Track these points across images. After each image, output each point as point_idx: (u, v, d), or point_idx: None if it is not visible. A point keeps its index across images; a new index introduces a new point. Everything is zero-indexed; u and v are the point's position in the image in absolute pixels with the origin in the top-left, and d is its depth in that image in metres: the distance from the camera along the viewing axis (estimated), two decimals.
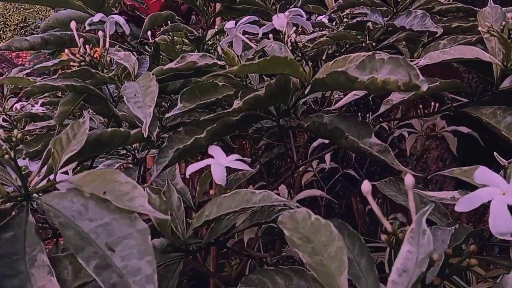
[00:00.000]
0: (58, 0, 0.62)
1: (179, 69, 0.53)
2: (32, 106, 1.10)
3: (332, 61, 0.48)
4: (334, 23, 1.06)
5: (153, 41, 0.67)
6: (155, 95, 0.47)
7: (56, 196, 0.36)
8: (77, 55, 0.56)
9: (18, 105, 1.08)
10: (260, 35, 0.61)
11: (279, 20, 0.57)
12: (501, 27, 0.56)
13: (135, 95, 0.49)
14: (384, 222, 0.30)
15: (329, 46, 0.86)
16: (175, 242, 0.41)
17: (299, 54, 0.89)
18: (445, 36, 0.74)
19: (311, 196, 0.98)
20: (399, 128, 1.19)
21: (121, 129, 0.44)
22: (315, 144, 1.15)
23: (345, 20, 0.95)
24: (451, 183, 2.29)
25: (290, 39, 0.58)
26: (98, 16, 0.58)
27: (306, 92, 0.49)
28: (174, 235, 0.43)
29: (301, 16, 0.59)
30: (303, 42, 0.93)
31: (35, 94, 0.56)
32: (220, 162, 0.42)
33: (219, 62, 0.53)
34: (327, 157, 1.13)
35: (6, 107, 1.03)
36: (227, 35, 0.60)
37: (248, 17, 0.58)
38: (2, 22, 10.80)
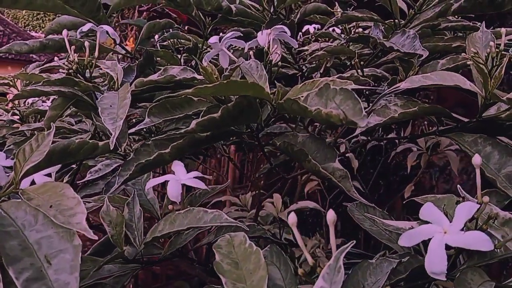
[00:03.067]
0: (56, 7, 0.65)
1: (158, 82, 0.55)
2: (43, 102, 1.15)
3: (301, 84, 0.48)
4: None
5: (144, 49, 0.68)
6: (127, 108, 0.48)
7: (13, 204, 0.38)
8: (65, 63, 0.58)
9: (30, 100, 1.12)
10: (246, 50, 0.62)
11: (262, 37, 0.58)
12: (485, 55, 0.55)
13: (110, 106, 0.51)
14: (306, 255, 0.30)
15: (328, 60, 0.86)
16: (129, 254, 0.42)
17: (297, 67, 0.90)
18: (447, 56, 0.73)
19: (304, 207, 0.98)
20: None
21: (89, 140, 0.46)
22: None
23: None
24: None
25: (278, 55, 0.58)
26: (87, 26, 0.60)
27: (275, 113, 0.49)
28: (133, 246, 0.44)
29: (285, 33, 0.59)
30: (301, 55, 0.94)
31: (25, 97, 0.59)
32: (178, 178, 0.43)
33: (198, 77, 0.54)
34: None
35: (17, 102, 1.07)
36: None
37: (232, 32, 0.59)
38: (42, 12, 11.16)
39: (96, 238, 0.31)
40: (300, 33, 1.25)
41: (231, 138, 0.69)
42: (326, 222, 1.04)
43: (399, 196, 1.40)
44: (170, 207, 0.44)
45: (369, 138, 0.93)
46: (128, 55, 0.75)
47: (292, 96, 0.47)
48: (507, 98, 0.45)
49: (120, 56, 0.80)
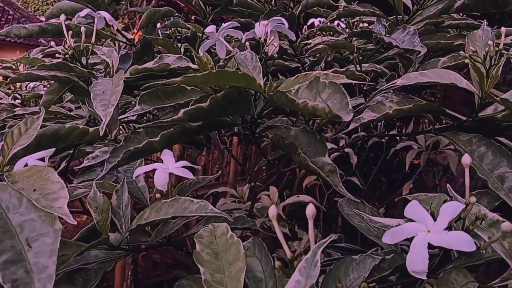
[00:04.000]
0: None
1: (153, 70, 0.54)
2: (45, 86, 1.15)
3: (295, 77, 0.48)
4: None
5: (142, 37, 0.68)
6: (119, 94, 0.48)
7: (0, 187, 0.38)
8: (61, 48, 0.58)
9: (31, 85, 1.12)
10: (243, 41, 0.61)
11: (259, 28, 0.57)
12: (484, 54, 0.54)
13: (103, 92, 0.51)
14: (285, 249, 0.30)
15: (329, 54, 0.85)
16: (115, 240, 0.43)
17: (297, 60, 0.89)
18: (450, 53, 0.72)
19: (300, 201, 0.98)
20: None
21: (79, 125, 0.46)
22: None
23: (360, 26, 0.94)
24: None
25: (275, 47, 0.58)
26: (85, 11, 0.60)
27: (268, 105, 0.49)
28: (119, 233, 0.44)
29: (283, 24, 0.59)
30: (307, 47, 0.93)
31: (21, 81, 0.59)
32: (166, 167, 0.43)
33: (193, 66, 0.54)
34: None
35: (18, 85, 1.08)
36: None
37: (230, 22, 0.59)
38: None
39: (75, 223, 0.31)
40: (305, 26, 1.24)
41: (225, 129, 0.68)
42: (323, 216, 1.04)
43: (398, 193, 1.39)
44: (157, 195, 0.44)
45: (365, 134, 0.92)
46: (129, 42, 0.75)
47: (284, 88, 0.47)
48: (501, 98, 0.44)
49: (123, 45, 0.79)
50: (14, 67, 1.20)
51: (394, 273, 0.39)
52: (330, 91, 0.37)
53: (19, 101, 1.05)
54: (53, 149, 0.56)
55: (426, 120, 1.18)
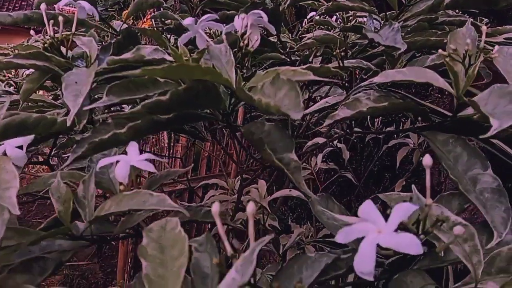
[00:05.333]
0: None
1: (128, 61, 0.54)
2: None
3: (264, 72, 0.47)
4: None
5: (125, 27, 0.68)
6: (89, 85, 0.48)
7: None
8: (41, 37, 0.58)
9: (28, 71, 1.13)
10: (223, 34, 0.61)
11: (238, 22, 0.57)
12: (463, 53, 0.53)
13: (76, 82, 0.51)
14: (225, 245, 0.30)
15: (317, 48, 0.84)
16: (76, 230, 0.43)
17: (286, 55, 0.88)
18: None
19: (288, 195, 0.97)
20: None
21: (48, 115, 0.46)
22: (309, 144, 1.14)
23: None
24: None
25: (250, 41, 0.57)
26: (63, 2, 0.60)
27: (238, 100, 0.49)
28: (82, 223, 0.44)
29: (262, 18, 0.58)
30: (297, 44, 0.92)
31: (1, 69, 0.59)
32: (128, 160, 0.43)
33: (168, 58, 0.54)
34: (319, 157, 1.12)
35: (13, 72, 1.08)
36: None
37: (208, 15, 0.58)
38: None
39: (19, 213, 0.31)
40: (306, 20, 1.23)
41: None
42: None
43: (394, 188, 1.38)
44: (121, 187, 0.45)
45: (344, 130, 0.91)
46: (116, 33, 0.75)
47: (253, 83, 0.47)
48: (469, 100, 0.43)
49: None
50: (11, 53, 1.22)
51: (350, 271, 0.39)
52: (288, 88, 0.36)
53: (14, 87, 1.06)
54: (32, 137, 0.56)
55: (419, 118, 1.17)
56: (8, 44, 1.17)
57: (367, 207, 0.35)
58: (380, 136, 1.40)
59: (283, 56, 0.80)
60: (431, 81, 0.50)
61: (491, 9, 0.85)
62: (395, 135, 1.25)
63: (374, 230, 0.34)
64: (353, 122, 1.19)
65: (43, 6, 0.59)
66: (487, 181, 0.47)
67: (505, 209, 0.44)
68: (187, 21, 0.57)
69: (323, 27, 1.00)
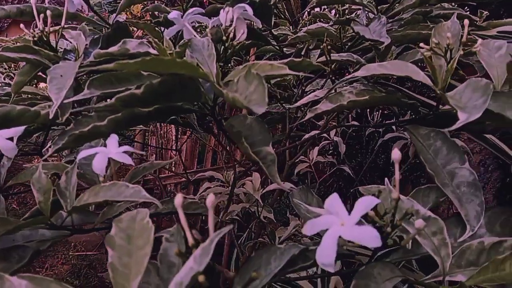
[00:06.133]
0: None
1: (114, 54, 0.55)
2: None
3: (243, 65, 0.48)
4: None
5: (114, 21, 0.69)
6: (72, 79, 0.49)
7: None
8: (31, 31, 0.59)
9: None
10: (209, 27, 0.61)
11: (223, 15, 0.57)
12: (445, 46, 0.53)
13: (61, 76, 0.52)
14: (188, 236, 0.31)
15: (310, 42, 0.84)
16: (57, 220, 0.44)
17: (277, 49, 0.88)
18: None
19: (281, 188, 0.98)
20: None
21: (31, 108, 0.47)
22: (306, 136, 1.15)
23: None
24: (491, 190, 2.18)
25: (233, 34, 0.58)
26: None
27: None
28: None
29: (247, 11, 0.59)
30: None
31: None
32: (106, 152, 0.44)
33: (152, 51, 0.55)
34: (315, 151, 1.12)
35: (13, 65, 1.10)
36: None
37: (194, 8, 0.59)
38: None
39: None
40: (306, 13, 1.23)
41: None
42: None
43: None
44: (101, 179, 0.46)
45: (338, 123, 0.91)
46: (107, 26, 0.76)
47: (231, 77, 0.47)
48: (440, 93, 0.43)
49: None
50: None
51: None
52: (257, 83, 0.37)
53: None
54: (22, 129, 0.57)
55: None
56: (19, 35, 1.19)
57: (333, 201, 0.36)
58: (380, 130, 1.40)
59: (274, 49, 0.81)
60: (411, 75, 0.50)
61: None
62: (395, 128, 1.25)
63: (338, 223, 0.34)
64: (349, 115, 1.19)
65: (33, 0, 0.60)
66: (464, 175, 0.47)
67: (479, 203, 0.45)
68: (173, 14, 0.58)
69: (322, 20, 1.00)
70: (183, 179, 2.19)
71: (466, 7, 1.26)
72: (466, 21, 0.53)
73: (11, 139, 0.59)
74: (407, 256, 0.44)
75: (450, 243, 0.44)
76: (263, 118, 1.17)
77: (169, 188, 2.45)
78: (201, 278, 0.27)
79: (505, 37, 0.75)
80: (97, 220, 0.47)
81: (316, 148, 1.16)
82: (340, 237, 0.33)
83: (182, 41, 0.61)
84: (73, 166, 0.48)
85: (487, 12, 1.13)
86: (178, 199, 0.31)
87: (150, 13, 0.82)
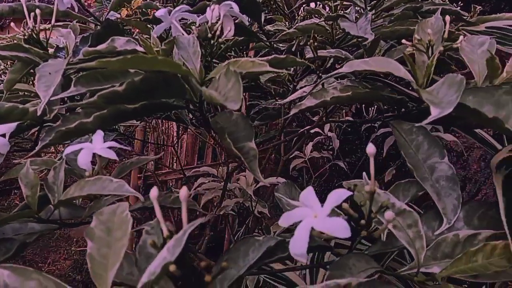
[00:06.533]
0: None
1: (101, 52, 0.56)
2: None
3: (226, 63, 0.49)
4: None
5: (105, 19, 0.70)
6: (59, 76, 0.50)
7: None
8: (21, 29, 0.61)
9: None
10: (197, 24, 0.62)
11: (209, 13, 0.58)
12: (427, 43, 0.53)
13: (50, 73, 0.53)
14: (162, 227, 0.32)
15: (300, 38, 0.85)
16: (45, 214, 0.45)
17: (268, 45, 0.89)
18: None
19: (273, 183, 0.99)
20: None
21: (19, 105, 0.48)
22: (300, 132, 1.16)
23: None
24: (491, 185, 2.18)
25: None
26: None
27: None
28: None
29: (233, 8, 0.59)
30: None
31: None
32: (92, 147, 0.45)
33: (139, 49, 0.56)
34: (309, 147, 1.13)
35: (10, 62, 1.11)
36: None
37: (182, 6, 0.60)
38: None
39: None
40: (302, 8, 1.24)
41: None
42: None
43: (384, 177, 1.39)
44: (87, 173, 0.47)
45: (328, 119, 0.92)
46: (98, 23, 0.77)
47: (214, 74, 0.48)
48: (416, 88, 0.44)
49: None
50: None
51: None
52: (234, 81, 0.38)
53: None
54: (14, 125, 0.59)
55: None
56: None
57: (307, 194, 0.37)
58: (376, 125, 1.40)
59: (264, 45, 0.81)
60: (392, 71, 0.51)
61: None
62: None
63: (311, 215, 0.35)
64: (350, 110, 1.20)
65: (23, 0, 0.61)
66: (443, 169, 0.48)
67: (457, 197, 0.46)
68: (160, 12, 0.59)
69: (316, 15, 1.01)
70: (191, 174, 2.21)
71: (460, 2, 1.27)
72: (448, 18, 0.54)
73: (3, 135, 0.61)
74: (386, 248, 0.45)
75: (429, 236, 0.45)
76: (260, 114, 1.19)
77: (170, 184, 2.47)
78: (172, 267, 0.28)
79: (493, 33, 0.76)
80: (84, 214, 0.49)
81: (310, 144, 1.17)
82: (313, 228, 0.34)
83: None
84: (61, 162, 0.50)
85: (480, 7, 1.13)
86: (153, 192, 0.32)
87: (140, 10, 0.83)
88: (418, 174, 0.49)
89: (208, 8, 0.60)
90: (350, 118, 1.23)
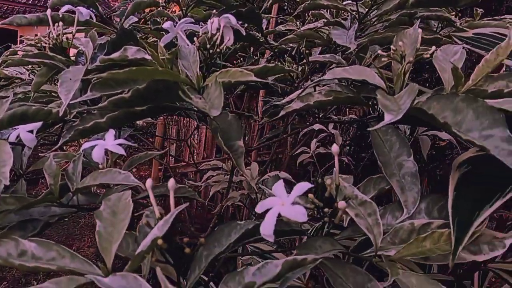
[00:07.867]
0: None
1: (115, 60, 0.64)
2: None
3: (219, 72, 0.56)
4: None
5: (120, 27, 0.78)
6: (79, 81, 0.59)
7: None
8: (46, 38, 0.69)
9: None
10: (200, 34, 0.70)
11: (208, 25, 0.66)
12: (400, 53, 0.59)
13: (70, 79, 0.61)
14: (155, 210, 0.40)
15: (301, 42, 0.92)
16: (65, 199, 0.54)
17: (270, 49, 0.96)
18: None
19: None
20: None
21: (44, 107, 0.57)
22: (305, 130, 1.22)
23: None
24: None
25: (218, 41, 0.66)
26: (64, 8, 0.70)
27: None
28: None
29: (231, 21, 0.67)
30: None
31: (15, 65, 0.71)
32: (104, 144, 0.53)
33: (148, 57, 0.64)
34: (313, 143, 1.20)
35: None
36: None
37: (186, 18, 0.67)
38: None
39: (8, 183, 0.42)
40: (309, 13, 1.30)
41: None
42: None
43: None
44: (100, 166, 0.55)
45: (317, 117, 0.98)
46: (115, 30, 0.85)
47: (208, 81, 0.56)
48: (382, 96, 0.50)
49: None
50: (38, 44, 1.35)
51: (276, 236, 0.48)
52: (219, 90, 0.45)
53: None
54: (40, 124, 0.67)
55: None
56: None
57: (278, 185, 0.44)
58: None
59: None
60: (367, 78, 0.57)
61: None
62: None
63: (280, 203, 0.43)
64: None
65: (48, 11, 0.70)
66: (409, 166, 0.55)
67: (417, 191, 0.52)
68: (166, 24, 0.66)
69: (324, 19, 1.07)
70: (203, 167, 2.31)
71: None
72: (419, 30, 0.60)
73: (31, 132, 0.70)
74: (354, 234, 0.52)
75: (392, 224, 0.52)
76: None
77: (190, 176, 2.58)
78: (160, 241, 0.36)
79: (479, 39, 0.80)
80: (98, 200, 0.57)
81: (314, 140, 1.23)
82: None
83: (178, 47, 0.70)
84: (79, 156, 0.58)
85: (482, 10, 1.17)
86: (148, 182, 0.40)
87: (152, 19, 0.91)
88: (387, 171, 0.55)
89: (209, 21, 0.67)
90: (354, 116, 1.29)
